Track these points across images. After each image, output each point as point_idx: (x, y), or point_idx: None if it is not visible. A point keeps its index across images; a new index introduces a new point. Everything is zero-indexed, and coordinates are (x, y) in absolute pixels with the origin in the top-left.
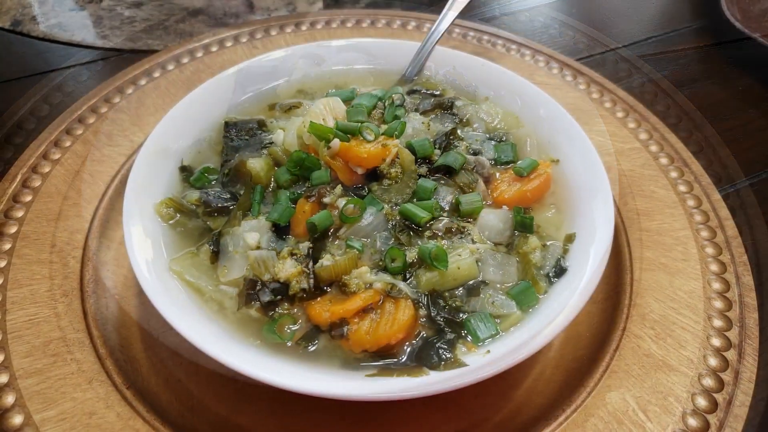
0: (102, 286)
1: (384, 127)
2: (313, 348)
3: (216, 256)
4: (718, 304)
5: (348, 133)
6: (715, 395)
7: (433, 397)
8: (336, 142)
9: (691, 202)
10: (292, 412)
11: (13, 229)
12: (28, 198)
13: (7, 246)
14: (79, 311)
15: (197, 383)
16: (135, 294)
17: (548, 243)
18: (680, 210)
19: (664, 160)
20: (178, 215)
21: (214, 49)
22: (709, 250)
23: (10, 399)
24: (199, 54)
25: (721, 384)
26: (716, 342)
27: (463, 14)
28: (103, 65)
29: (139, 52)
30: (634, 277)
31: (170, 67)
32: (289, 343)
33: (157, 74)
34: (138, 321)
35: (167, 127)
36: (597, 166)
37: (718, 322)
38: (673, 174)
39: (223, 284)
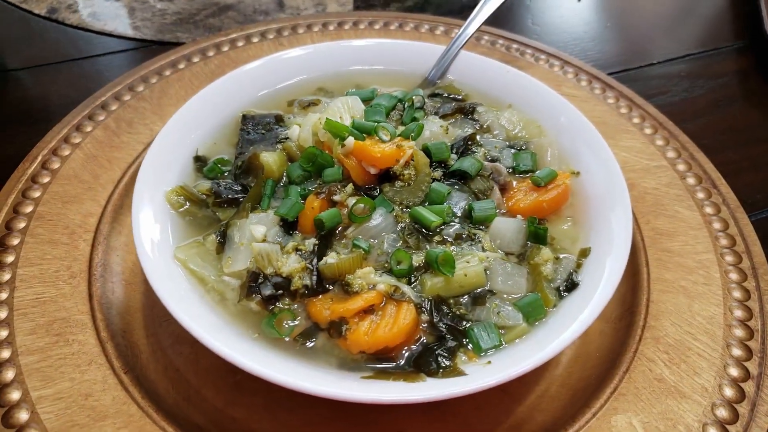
0: (110, 271)
1: (402, 128)
2: (311, 345)
3: (222, 246)
4: (739, 332)
5: (364, 132)
6: (728, 427)
7: (433, 406)
8: (350, 141)
9: (717, 225)
10: (287, 409)
11: (29, 209)
12: (46, 179)
13: (22, 225)
14: (85, 294)
15: (195, 374)
16: (141, 281)
17: (561, 256)
18: (705, 232)
19: (691, 180)
20: (188, 204)
21: (240, 44)
22: (734, 276)
23: (10, 374)
24: (225, 48)
25: (735, 415)
26: (734, 372)
27: (495, 23)
28: (132, 55)
29: (167, 44)
30: (651, 299)
31: (195, 59)
32: (287, 339)
33: (182, 66)
34: (142, 308)
35: (185, 116)
36: (618, 181)
37: (737, 351)
38: (700, 195)
39: (226, 275)
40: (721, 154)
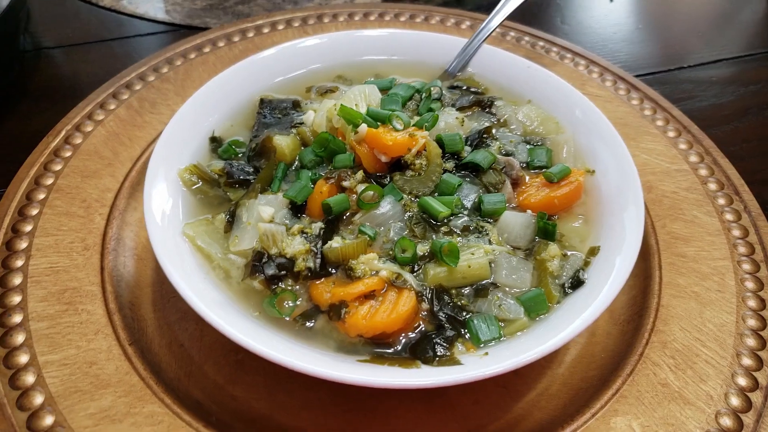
0: (122, 245)
1: (417, 118)
2: (311, 327)
3: (230, 225)
4: (751, 341)
5: (378, 120)
6: None
7: (431, 396)
8: (363, 127)
9: (736, 232)
10: (286, 391)
11: (49, 181)
12: (68, 154)
13: (41, 196)
14: (98, 266)
15: (199, 350)
16: (152, 257)
17: (569, 253)
18: (723, 239)
19: (712, 186)
20: (200, 182)
21: (265, 30)
22: (749, 285)
23: (20, 338)
24: (251, 34)
25: (740, 425)
26: (742, 381)
27: (523, 20)
28: (161, 38)
29: (196, 29)
30: (662, 303)
31: (221, 44)
32: (287, 318)
33: (207, 49)
34: (151, 283)
35: (203, 97)
36: (633, 181)
37: (747, 361)
38: (721, 201)
39: (232, 253)
40: (747, 162)
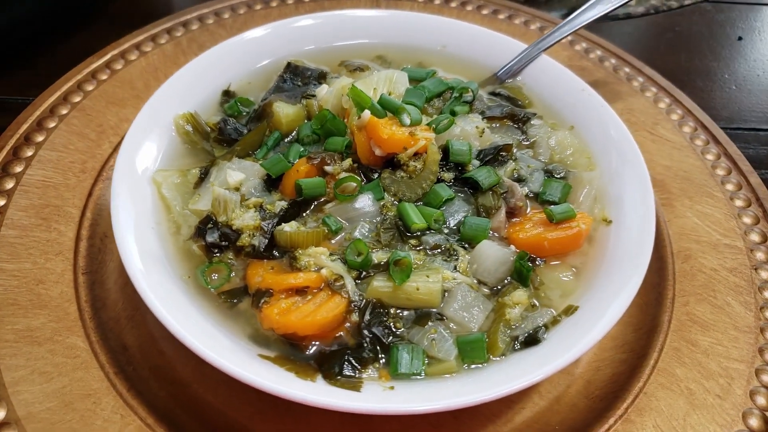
0: None
1: (434, 117)
2: (234, 305)
3: (201, 182)
4: None
5: (389, 109)
6: None
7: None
8: (366, 114)
9: None
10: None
11: (77, 99)
12: (104, 77)
13: (64, 111)
14: (87, 191)
15: None
16: None
17: (539, 305)
18: (750, 338)
19: (765, 274)
20: (192, 132)
21: None
22: (760, 400)
23: None
24: None
25: None
26: None
27: (606, 35)
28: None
29: None
30: (646, 389)
31: (290, 0)
32: (212, 290)
33: (274, 3)
34: None
35: (231, 48)
36: (645, 246)
37: None
38: None
39: (189, 210)
40: None
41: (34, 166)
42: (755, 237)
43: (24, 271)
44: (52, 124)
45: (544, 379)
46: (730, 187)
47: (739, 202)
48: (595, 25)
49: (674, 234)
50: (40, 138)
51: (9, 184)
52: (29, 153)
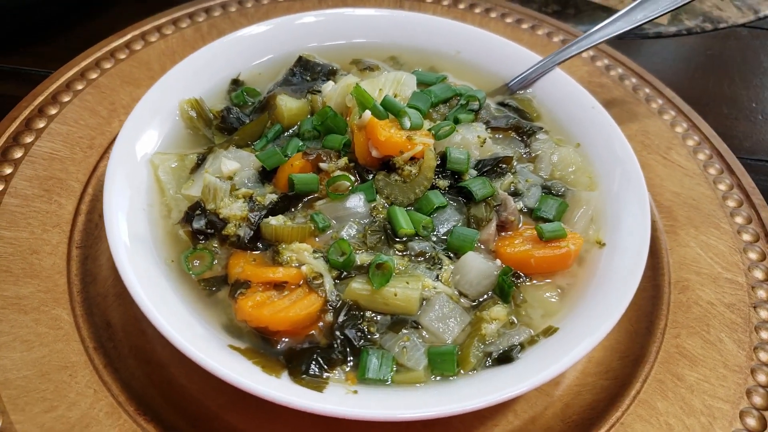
0: None
1: (437, 123)
2: (213, 294)
3: (197, 168)
4: None
5: (391, 112)
6: None
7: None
8: (367, 114)
9: (762, 378)
10: None
11: (93, 76)
12: (123, 56)
13: (79, 87)
14: (92, 166)
15: None
16: None
17: (517, 323)
18: (739, 378)
19: (764, 314)
20: (196, 118)
21: None
22: None
23: None
24: None
25: None
26: None
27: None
28: None
29: None
30: (623, 419)
31: None
32: (193, 276)
33: None
34: None
35: (245, 38)
36: (634, 275)
37: None
38: (765, 335)
39: (182, 195)
40: None
41: (43, 138)
42: (759, 274)
43: (20, 239)
44: (66, 99)
45: (513, 397)
46: (739, 219)
47: (746, 236)
48: (623, 43)
49: (674, 263)
50: (53, 111)
51: (18, 154)
52: (41, 125)
